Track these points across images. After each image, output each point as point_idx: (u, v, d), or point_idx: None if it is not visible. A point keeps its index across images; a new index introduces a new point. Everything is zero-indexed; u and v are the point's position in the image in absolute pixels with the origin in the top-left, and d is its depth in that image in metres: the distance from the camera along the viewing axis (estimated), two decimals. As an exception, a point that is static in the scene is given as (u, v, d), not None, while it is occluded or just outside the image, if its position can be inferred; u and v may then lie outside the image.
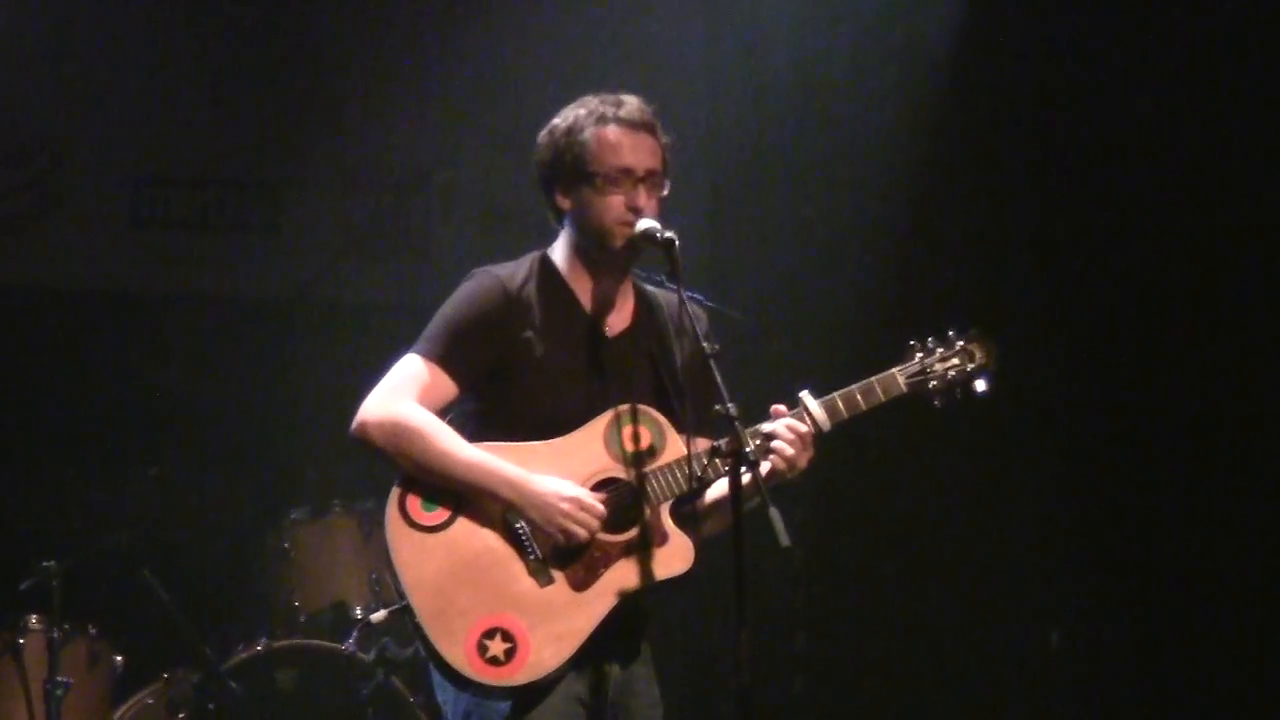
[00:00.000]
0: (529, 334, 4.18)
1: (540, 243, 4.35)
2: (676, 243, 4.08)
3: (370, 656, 6.18)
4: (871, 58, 7.26)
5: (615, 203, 4.16)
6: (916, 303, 6.91)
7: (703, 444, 4.09)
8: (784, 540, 3.71)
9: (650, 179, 4.18)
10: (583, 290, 4.26)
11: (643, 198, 4.16)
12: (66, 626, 6.12)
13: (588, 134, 4.18)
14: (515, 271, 4.25)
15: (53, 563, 6.11)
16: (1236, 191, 6.33)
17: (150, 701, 6.28)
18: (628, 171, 4.16)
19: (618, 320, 4.29)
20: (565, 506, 4.04)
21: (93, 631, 6.27)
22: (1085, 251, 6.79)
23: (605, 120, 4.19)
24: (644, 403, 4.18)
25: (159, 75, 7.71)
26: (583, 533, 4.05)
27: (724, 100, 7.85)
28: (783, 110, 7.55)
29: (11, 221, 7.54)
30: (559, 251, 4.30)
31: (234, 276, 7.79)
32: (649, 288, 4.36)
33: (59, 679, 6.03)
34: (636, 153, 4.17)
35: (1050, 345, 6.77)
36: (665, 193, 4.19)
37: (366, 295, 7.83)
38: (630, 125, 4.19)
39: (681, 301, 4.07)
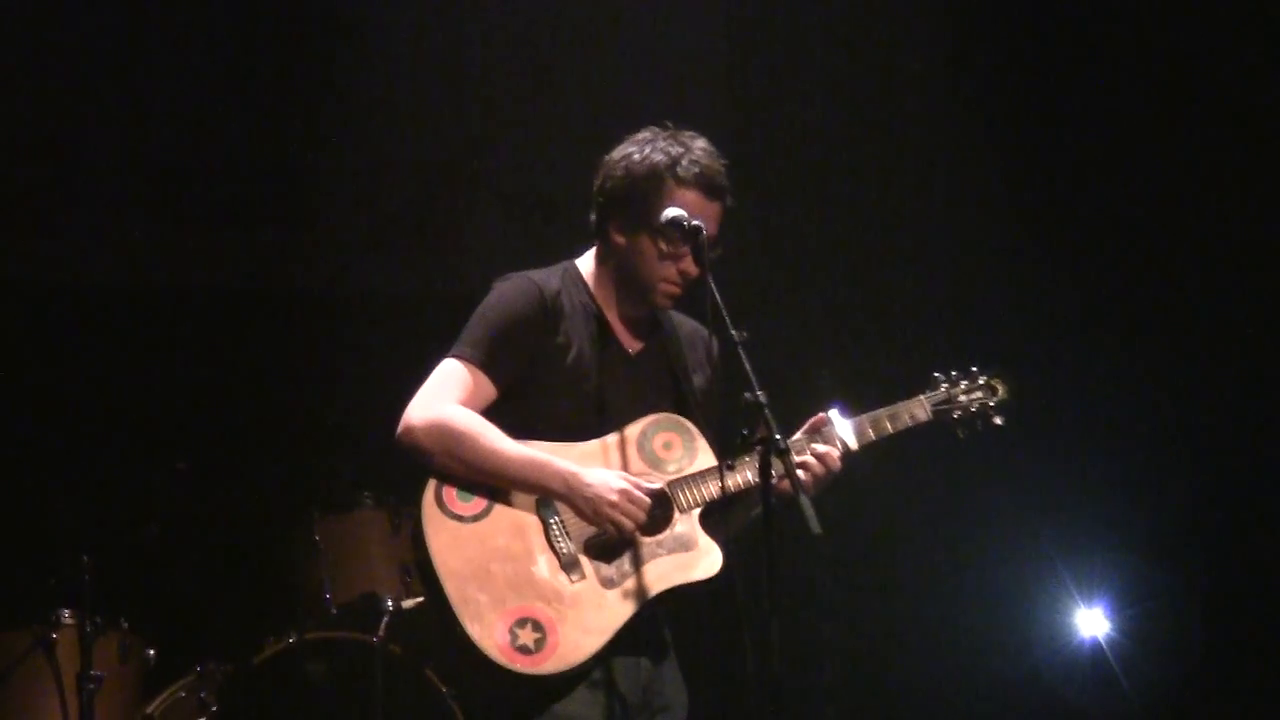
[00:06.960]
0: (561, 340, 4.20)
1: (571, 241, 4.36)
2: (703, 232, 4.09)
3: (402, 648, 6.17)
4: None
5: (668, 267, 4.17)
6: (945, 301, 6.94)
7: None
8: (815, 527, 3.70)
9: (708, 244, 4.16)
10: (608, 308, 4.29)
11: (694, 265, 4.14)
12: (99, 620, 6.13)
13: (668, 186, 4.15)
14: (549, 278, 4.27)
15: (84, 557, 6.12)
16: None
17: (183, 695, 6.28)
18: None
19: (638, 340, 4.32)
20: (615, 498, 4.07)
21: (125, 625, 6.28)
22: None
23: (688, 181, 4.15)
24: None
25: (183, 66, 7.66)
26: (630, 524, 4.08)
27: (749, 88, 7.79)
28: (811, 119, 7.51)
29: (36, 219, 7.52)
30: (589, 266, 4.33)
31: (262, 269, 7.76)
32: (669, 311, 4.36)
33: (91, 673, 6.04)
34: (707, 223, 4.14)
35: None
36: (716, 254, 4.14)
37: (397, 286, 7.80)
38: (711, 191, 4.17)
39: (709, 292, 4.02)
